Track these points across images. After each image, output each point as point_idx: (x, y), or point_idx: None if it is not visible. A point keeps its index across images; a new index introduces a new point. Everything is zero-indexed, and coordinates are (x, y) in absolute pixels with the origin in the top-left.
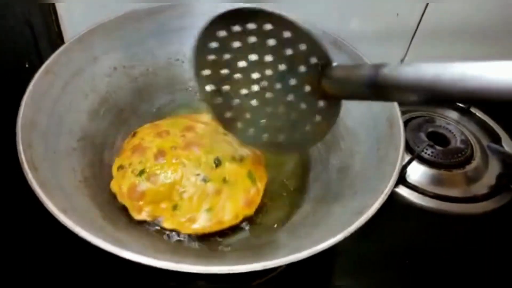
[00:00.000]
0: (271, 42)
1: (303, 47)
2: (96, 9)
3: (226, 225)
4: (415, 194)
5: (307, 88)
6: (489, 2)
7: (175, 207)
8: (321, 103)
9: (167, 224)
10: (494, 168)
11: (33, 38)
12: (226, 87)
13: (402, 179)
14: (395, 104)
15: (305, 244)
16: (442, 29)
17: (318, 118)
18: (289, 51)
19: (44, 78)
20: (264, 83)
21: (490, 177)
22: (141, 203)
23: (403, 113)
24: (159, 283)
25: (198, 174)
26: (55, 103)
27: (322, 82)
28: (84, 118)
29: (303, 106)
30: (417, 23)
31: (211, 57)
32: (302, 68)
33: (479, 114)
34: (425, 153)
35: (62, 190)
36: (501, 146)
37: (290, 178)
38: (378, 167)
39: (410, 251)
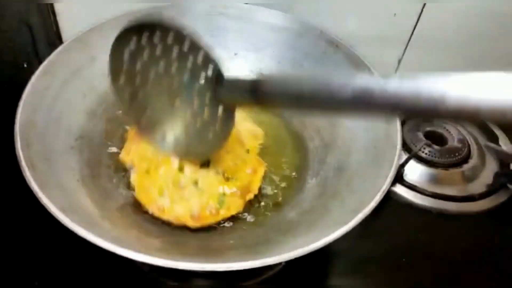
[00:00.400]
0: (174, 53)
1: (199, 59)
2: (94, 10)
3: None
4: (413, 193)
5: (207, 96)
6: (486, 3)
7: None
8: (220, 111)
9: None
10: (491, 167)
11: (31, 38)
12: (140, 96)
13: (399, 178)
14: None
15: (303, 242)
16: (439, 29)
17: (217, 126)
18: (189, 63)
19: (43, 78)
20: (173, 92)
21: (487, 176)
22: None
23: None
24: (157, 281)
25: None
26: (53, 103)
27: (217, 91)
28: (82, 117)
29: (206, 114)
30: (415, 24)
31: (124, 66)
32: (201, 79)
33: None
34: (423, 152)
35: (60, 189)
36: (498, 145)
37: (288, 177)
38: (375, 166)
39: (408, 249)
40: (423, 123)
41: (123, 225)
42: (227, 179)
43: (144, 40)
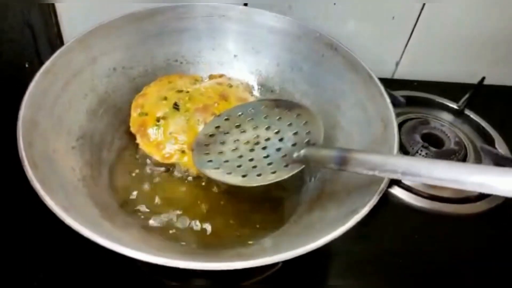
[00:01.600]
0: (289, 122)
1: (308, 131)
2: (95, 11)
3: None
4: (410, 194)
5: (283, 155)
6: (484, 5)
7: None
8: (282, 165)
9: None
10: None
11: (33, 38)
12: (224, 130)
13: (396, 180)
14: (389, 105)
15: (301, 242)
16: (437, 32)
17: (270, 173)
18: (295, 131)
19: (44, 78)
20: (254, 143)
21: None
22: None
23: (398, 115)
24: (157, 281)
25: None
26: (55, 103)
27: (300, 152)
28: (83, 117)
29: (267, 163)
30: (413, 27)
31: (239, 112)
32: (294, 144)
33: (473, 116)
34: (420, 154)
35: (62, 188)
36: (494, 148)
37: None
38: None
39: (404, 250)
40: (420, 125)
41: (124, 225)
42: None
43: (275, 110)
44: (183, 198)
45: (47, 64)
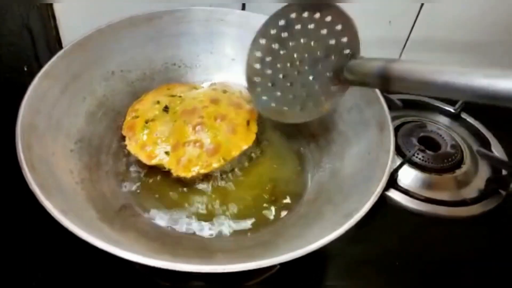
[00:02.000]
0: (324, 31)
1: (345, 39)
2: (93, 15)
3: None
4: (406, 197)
5: (328, 73)
6: (480, 10)
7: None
8: (332, 88)
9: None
10: (483, 173)
11: (32, 42)
12: (268, 58)
13: (393, 183)
14: (385, 109)
15: (298, 244)
16: (433, 37)
17: (323, 99)
18: (332, 41)
19: (43, 81)
20: (298, 63)
21: (479, 181)
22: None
23: (395, 118)
24: (155, 283)
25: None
26: (54, 106)
27: (344, 69)
28: (82, 121)
29: (317, 87)
30: (409, 31)
31: (273, 31)
32: (334, 57)
33: (469, 119)
34: (416, 157)
35: (60, 191)
36: (491, 151)
37: (287, 181)
38: (368, 170)
39: (401, 252)
40: (417, 128)
41: (122, 228)
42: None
43: (304, 14)
44: (178, 199)
45: (46, 67)
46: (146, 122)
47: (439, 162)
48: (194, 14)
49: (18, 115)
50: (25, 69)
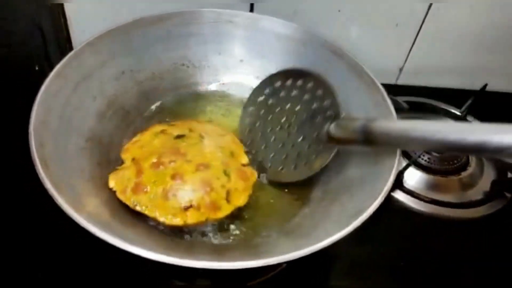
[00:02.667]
0: (306, 96)
1: (326, 102)
2: (104, 15)
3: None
4: (412, 199)
5: (316, 134)
6: (486, 13)
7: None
8: (320, 146)
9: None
10: (489, 175)
11: (43, 41)
12: (258, 123)
13: (399, 184)
14: (392, 110)
15: (304, 243)
16: (439, 39)
17: (313, 157)
18: (315, 105)
19: (55, 80)
20: (287, 126)
21: (484, 184)
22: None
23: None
24: (163, 280)
25: None
26: (65, 105)
27: (329, 128)
28: (92, 119)
29: (307, 147)
30: (416, 34)
31: (261, 98)
32: (319, 119)
33: (475, 122)
34: (422, 159)
35: (72, 188)
36: None
37: (292, 182)
38: (375, 171)
39: (406, 253)
40: None
41: (133, 225)
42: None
43: (288, 82)
44: None
45: (58, 67)
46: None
47: (444, 164)
48: (203, 15)
49: (31, 113)
50: (36, 68)
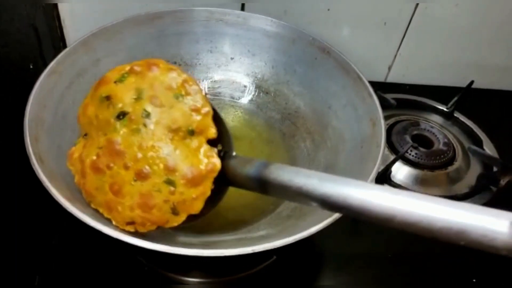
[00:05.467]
0: None
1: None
2: (97, 15)
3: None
4: None
5: None
6: (473, 10)
7: None
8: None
9: None
10: (475, 169)
11: (38, 41)
12: None
13: (387, 178)
14: (378, 105)
15: (292, 232)
16: (427, 38)
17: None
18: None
19: (50, 77)
20: None
21: (471, 178)
22: None
23: (389, 117)
24: (154, 272)
25: None
26: (59, 102)
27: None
28: None
29: None
30: (404, 32)
31: None
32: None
33: (462, 118)
34: (410, 154)
35: (66, 183)
36: (482, 148)
37: None
38: (361, 164)
39: (393, 245)
40: (411, 127)
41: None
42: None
43: None
44: None
45: (52, 64)
46: None
47: (431, 159)
48: (195, 14)
49: (26, 109)
50: (31, 67)
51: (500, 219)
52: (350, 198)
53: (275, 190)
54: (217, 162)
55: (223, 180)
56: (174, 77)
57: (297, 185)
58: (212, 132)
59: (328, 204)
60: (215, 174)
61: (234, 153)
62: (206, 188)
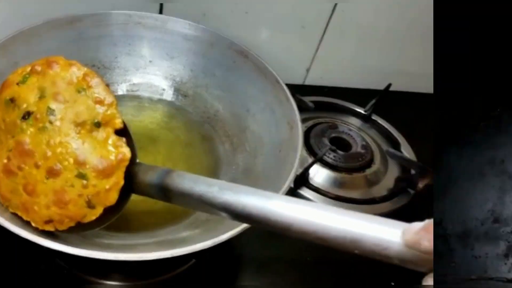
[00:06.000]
0: None
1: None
2: (15, 18)
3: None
4: (318, 195)
5: None
6: (391, 13)
7: None
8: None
9: None
10: (393, 172)
11: None
12: None
13: (305, 181)
14: (295, 108)
15: (211, 235)
16: (344, 41)
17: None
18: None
19: None
20: None
21: (389, 180)
22: None
23: (307, 119)
24: (74, 276)
25: None
26: None
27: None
28: None
29: None
30: (321, 35)
31: None
32: None
33: (380, 121)
34: (328, 157)
35: None
36: (400, 151)
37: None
38: (279, 168)
39: (313, 249)
40: (329, 129)
41: None
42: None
43: None
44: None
45: None
46: None
47: (349, 161)
48: (114, 17)
49: None
50: None
51: (392, 228)
52: (249, 206)
53: (178, 198)
54: (126, 151)
55: (126, 187)
56: (75, 72)
57: (198, 193)
58: (118, 122)
59: (229, 212)
60: (126, 163)
61: (137, 160)
62: (119, 178)
